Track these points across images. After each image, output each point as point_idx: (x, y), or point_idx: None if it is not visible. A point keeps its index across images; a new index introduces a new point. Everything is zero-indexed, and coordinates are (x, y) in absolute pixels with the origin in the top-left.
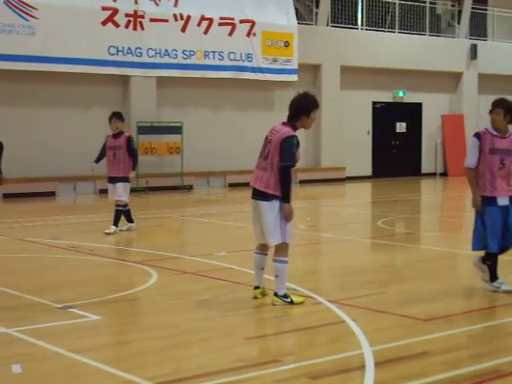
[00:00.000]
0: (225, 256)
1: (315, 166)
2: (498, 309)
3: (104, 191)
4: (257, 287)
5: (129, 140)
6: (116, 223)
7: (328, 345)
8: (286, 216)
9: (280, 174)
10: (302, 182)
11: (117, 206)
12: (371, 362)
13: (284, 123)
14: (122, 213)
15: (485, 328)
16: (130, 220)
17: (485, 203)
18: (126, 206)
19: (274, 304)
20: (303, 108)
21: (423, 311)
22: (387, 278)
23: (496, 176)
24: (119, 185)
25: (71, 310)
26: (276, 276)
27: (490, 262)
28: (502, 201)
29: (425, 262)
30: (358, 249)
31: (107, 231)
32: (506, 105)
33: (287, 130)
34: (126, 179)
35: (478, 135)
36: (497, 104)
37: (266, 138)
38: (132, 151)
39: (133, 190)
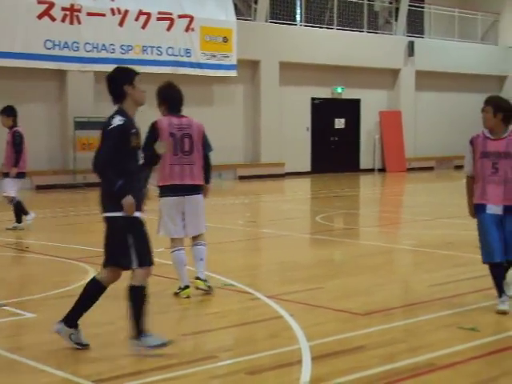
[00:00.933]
0: (163, 252)
1: (254, 162)
2: (433, 303)
3: (41, 187)
4: (187, 286)
5: (13, 135)
6: (18, 219)
7: (265, 340)
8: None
9: (207, 160)
10: (242, 177)
11: (9, 202)
12: (308, 356)
13: (180, 116)
14: (16, 206)
15: (420, 322)
16: (18, 219)
17: (476, 211)
18: (12, 200)
19: (197, 288)
20: (183, 97)
21: (360, 306)
22: (325, 273)
23: (488, 182)
24: (6, 180)
25: (5, 308)
26: (201, 259)
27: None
28: (492, 209)
29: (363, 256)
30: (296, 244)
31: (10, 227)
32: (495, 101)
33: (197, 120)
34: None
35: (471, 140)
36: (486, 101)
37: (173, 134)
38: (14, 147)
39: (70, 186)
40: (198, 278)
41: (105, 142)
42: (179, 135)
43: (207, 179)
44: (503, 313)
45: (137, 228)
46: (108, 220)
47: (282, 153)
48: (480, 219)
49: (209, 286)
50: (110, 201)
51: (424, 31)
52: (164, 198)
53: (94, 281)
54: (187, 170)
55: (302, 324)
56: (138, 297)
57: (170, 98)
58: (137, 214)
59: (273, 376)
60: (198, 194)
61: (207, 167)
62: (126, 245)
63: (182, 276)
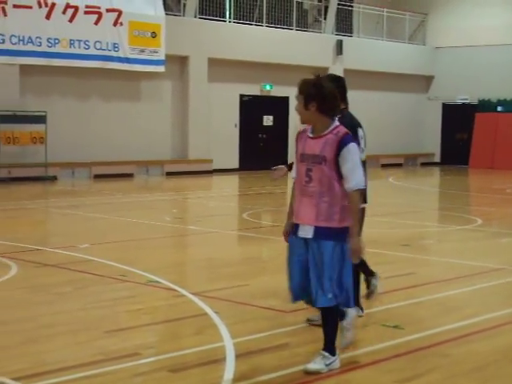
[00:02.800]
0: (87, 248)
1: (182, 158)
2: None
3: None
4: None
5: None
6: None
7: (189, 337)
8: None
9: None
10: (169, 174)
11: None
12: (232, 354)
13: None
14: None
15: None
16: None
17: (291, 232)
18: None
19: None
20: None
21: (285, 303)
22: (251, 270)
23: (302, 194)
24: None
25: None
26: None
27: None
28: (303, 231)
29: None
30: (223, 241)
31: None
32: (306, 88)
33: None
34: None
35: (296, 136)
36: (298, 89)
37: None
38: None
39: None
40: None
41: None
42: None
43: None
44: (315, 372)
45: None
46: None
47: (210, 149)
48: (290, 243)
49: None
50: None
51: (353, 30)
52: None
53: None
54: None
55: (227, 321)
56: None
57: None
58: None
59: (196, 374)
60: None
61: None
62: None
63: None
